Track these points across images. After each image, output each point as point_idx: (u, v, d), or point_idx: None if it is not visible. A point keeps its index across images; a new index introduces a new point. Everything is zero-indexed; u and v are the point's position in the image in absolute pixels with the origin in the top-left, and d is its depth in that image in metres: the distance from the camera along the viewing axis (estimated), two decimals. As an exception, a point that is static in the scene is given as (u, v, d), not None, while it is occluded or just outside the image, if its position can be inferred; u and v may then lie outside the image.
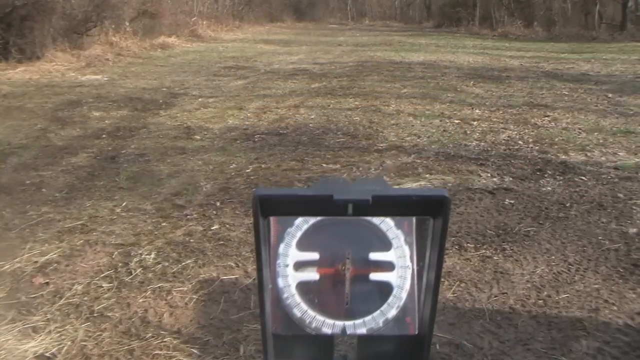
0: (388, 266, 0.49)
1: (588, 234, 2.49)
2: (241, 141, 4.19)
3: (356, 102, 5.64)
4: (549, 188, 3.09)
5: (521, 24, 15.57)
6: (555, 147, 3.92)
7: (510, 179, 3.26)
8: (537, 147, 3.91)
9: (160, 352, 1.71)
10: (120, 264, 2.28)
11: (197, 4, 15.60)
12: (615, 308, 1.89)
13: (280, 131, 4.47)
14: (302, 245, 0.49)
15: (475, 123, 4.67)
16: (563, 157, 3.68)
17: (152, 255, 2.34)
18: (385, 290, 0.49)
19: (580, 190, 3.04)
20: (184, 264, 2.27)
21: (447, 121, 4.75)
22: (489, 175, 3.33)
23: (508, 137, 4.22)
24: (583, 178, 3.24)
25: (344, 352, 0.54)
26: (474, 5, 17.99)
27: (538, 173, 3.35)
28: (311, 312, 0.49)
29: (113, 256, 2.35)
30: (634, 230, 2.52)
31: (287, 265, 0.49)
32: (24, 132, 4.49)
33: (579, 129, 4.43)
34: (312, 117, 4.98)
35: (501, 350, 1.69)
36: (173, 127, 4.66)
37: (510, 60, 9.04)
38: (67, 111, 5.28)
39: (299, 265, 0.49)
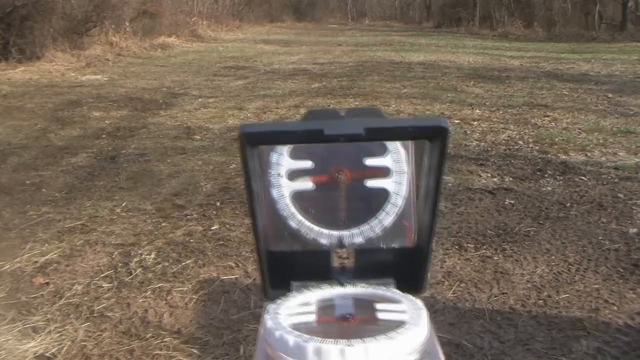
0: (384, 171, 0.47)
1: (588, 234, 2.49)
2: (241, 141, 4.19)
3: (356, 102, 5.64)
4: (549, 188, 3.09)
5: (521, 24, 15.58)
6: (556, 147, 3.92)
7: (511, 179, 3.26)
8: (537, 147, 3.91)
9: (160, 352, 1.71)
10: (120, 264, 2.28)
11: (197, 4, 15.60)
12: (615, 308, 1.89)
13: (280, 131, 4.47)
14: (295, 153, 0.47)
15: (475, 123, 4.67)
16: (563, 157, 3.68)
17: (152, 255, 2.34)
18: (381, 197, 0.47)
19: (580, 190, 3.04)
20: (184, 264, 2.27)
21: (447, 121, 4.75)
22: (489, 175, 3.33)
23: (508, 137, 4.22)
24: (583, 178, 3.24)
25: (341, 264, 0.52)
26: (474, 5, 17.99)
27: (538, 173, 3.35)
28: (307, 223, 0.47)
29: (113, 256, 2.35)
30: (634, 230, 2.52)
31: (280, 175, 0.47)
32: (24, 132, 4.49)
33: (579, 129, 4.43)
34: (312, 117, 4.98)
35: (501, 350, 1.69)
36: (173, 127, 4.66)
37: (510, 60, 9.04)
38: (67, 111, 5.28)
39: (293, 174, 0.47)
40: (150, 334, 1.80)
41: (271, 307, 0.43)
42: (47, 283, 2.13)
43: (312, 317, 0.42)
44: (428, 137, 0.42)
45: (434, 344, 0.39)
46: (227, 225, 2.64)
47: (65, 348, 1.73)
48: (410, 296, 0.44)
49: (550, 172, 3.36)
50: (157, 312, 1.93)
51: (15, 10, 7.88)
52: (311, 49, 11.94)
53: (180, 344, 1.75)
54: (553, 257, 2.28)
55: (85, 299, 2.02)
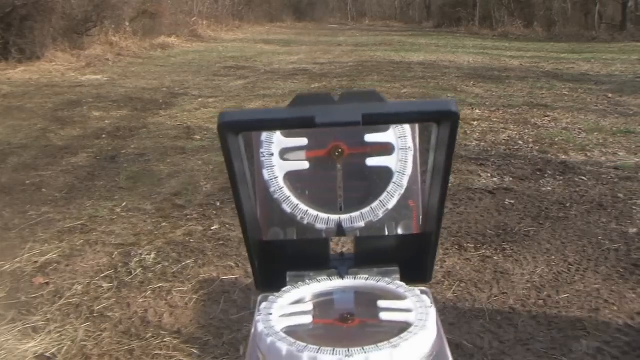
0: (387, 148, 0.42)
1: (588, 234, 2.49)
2: (241, 141, 4.19)
3: (356, 102, 5.63)
4: (549, 188, 3.09)
5: (521, 24, 15.58)
6: (555, 147, 3.92)
7: (510, 179, 3.26)
8: (537, 147, 3.91)
9: (160, 352, 1.71)
10: (120, 264, 2.28)
11: (197, 4, 15.60)
12: (615, 308, 1.89)
13: (280, 131, 4.47)
14: (289, 131, 0.42)
15: (475, 123, 4.67)
16: (563, 157, 3.68)
17: (152, 255, 2.34)
18: (384, 176, 0.42)
19: (580, 190, 3.04)
20: (184, 264, 2.27)
21: (447, 121, 4.75)
22: (489, 175, 3.33)
23: (508, 137, 4.22)
24: (583, 178, 3.24)
25: (340, 252, 0.47)
26: (474, 5, 17.99)
27: (538, 173, 3.35)
28: (302, 207, 0.43)
29: (113, 256, 2.35)
30: (634, 230, 2.52)
31: (271, 154, 0.42)
32: (24, 132, 4.49)
33: (579, 129, 4.43)
34: (312, 117, 4.98)
35: (501, 350, 1.69)
36: (173, 127, 4.66)
37: (510, 60, 9.03)
38: (67, 111, 5.28)
39: (286, 153, 0.42)
40: (150, 334, 1.80)
41: (263, 306, 0.40)
42: (47, 283, 2.13)
43: (307, 319, 0.38)
44: (435, 121, 0.38)
45: (442, 345, 0.36)
46: (227, 225, 2.64)
47: (65, 348, 1.73)
48: (417, 291, 0.40)
49: (550, 172, 3.36)
50: (157, 312, 1.93)
51: (15, 10, 7.88)
52: (311, 49, 11.93)
53: (180, 344, 1.75)
54: (553, 257, 2.28)
55: (85, 299, 2.02)
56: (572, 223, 2.62)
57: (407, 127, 0.42)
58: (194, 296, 2.03)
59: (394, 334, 0.34)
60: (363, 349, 0.32)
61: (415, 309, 0.38)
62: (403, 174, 0.42)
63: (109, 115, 5.10)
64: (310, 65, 8.91)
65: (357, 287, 0.42)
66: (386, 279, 0.43)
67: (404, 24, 24.10)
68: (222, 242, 2.46)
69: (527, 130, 4.40)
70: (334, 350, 0.32)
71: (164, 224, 2.68)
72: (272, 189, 0.43)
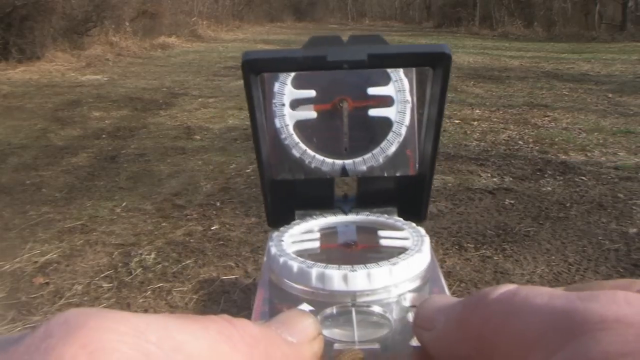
0: (387, 100, 0.47)
1: (588, 234, 2.49)
2: (241, 141, 4.19)
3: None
4: (549, 188, 3.09)
5: (521, 24, 15.58)
6: (555, 147, 3.92)
7: (510, 179, 3.26)
8: (537, 147, 3.91)
9: (160, 352, 1.71)
10: (120, 264, 2.28)
11: (197, 4, 15.60)
12: (615, 308, 1.89)
13: (280, 131, 4.47)
14: (298, 82, 0.47)
15: (475, 123, 4.67)
16: (563, 157, 3.68)
17: (152, 255, 2.34)
18: (384, 126, 0.47)
19: (580, 190, 3.04)
20: (184, 264, 2.27)
21: (447, 121, 4.75)
22: (489, 175, 3.33)
23: (508, 137, 4.22)
24: (583, 178, 3.24)
25: (344, 193, 0.52)
26: (474, 5, 18.00)
27: (538, 173, 3.35)
28: (310, 152, 0.47)
29: (113, 256, 2.35)
30: (634, 230, 2.52)
31: (283, 105, 0.47)
32: (24, 132, 4.49)
33: (579, 129, 4.43)
34: (312, 117, 4.98)
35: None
36: (173, 127, 4.66)
37: (510, 60, 9.04)
38: (67, 111, 5.28)
39: (296, 103, 0.47)
40: (150, 334, 1.80)
41: (275, 234, 0.43)
42: (47, 283, 2.13)
43: (315, 244, 0.42)
44: (431, 64, 0.42)
45: (435, 271, 0.40)
46: (227, 225, 2.64)
47: (65, 348, 1.73)
48: (412, 224, 0.44)
49: (550, 172, 3.36)
50: (157, 312, 1.93)
51: (15, 10, 7.88)
52: (311, 49, 11.92)
53: (180, 344, 1.75)
54: (553, 257, 2.28)
55: (85, 299, 2.02)
56: (572, 223, 2.62)
57: (405, 82, 0.46)
58: (194, 296, 2.03)
59: (393, 256, 0.38)
60: (365, 266, 0.36)
61: (412, 237, 0.42)
62: (401, 124, 0.47)
63: (109, 115, 5.10)
64: (310, 65, 8.91)
65: (359, 222, 0.47)
66: (386, 215, 0.47)
67: (404, 24, 24.10)
68: (222, 242, 2.46)
69: (527, 130, 4.40)
70: (339, 267, 0.36)
71: (164, 224, 2.68)
72: (282, 136, 0.47)
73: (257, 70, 0.41)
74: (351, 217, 0.47)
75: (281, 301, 0.36)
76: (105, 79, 7.36)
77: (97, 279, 2.16)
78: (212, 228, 2.62)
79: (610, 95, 5.78)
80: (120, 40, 10.16)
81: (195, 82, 7.13)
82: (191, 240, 2.49)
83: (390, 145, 0.47)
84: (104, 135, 4.40)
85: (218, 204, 2.93)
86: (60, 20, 8.75)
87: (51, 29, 8.42)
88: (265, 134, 0.44)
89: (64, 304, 1.98)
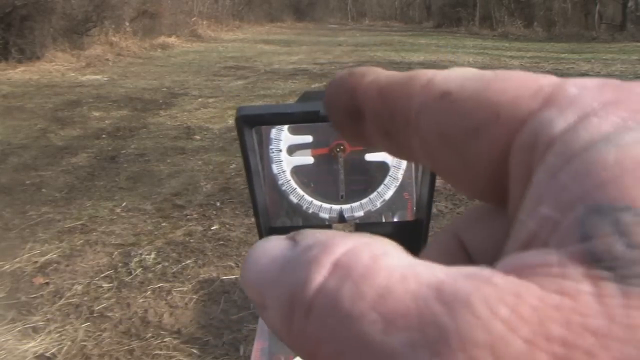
0: None
1: (588, 234, 2.49)
2: (241, 141, 4.19)
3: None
4: (549, 188, 3.10)
5: (521, 24, 15.58)
6: (555, 147, 3.92)
7: (510, 179, 3.26)
8: (537, 147, 3.91)
9: (160, 352, 1.71)
10: (120, 264, 2.28)
11: (197, 4, 15.60)
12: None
13: (280, 131, 4.48)
14: (295, 128, 0.47)
15: (475, 123, 4.68)
16: (563, 157, 3.68)
17: (152, 255, 2.34)
18: (381, 170, 0.48)
19: (580, 190, 3.05)
20: (184, 264, 2.27)
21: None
22: (489, 175, 3.34)
23: (508, 137, 4.22)
24: (583, 178, 3.25)
25: None
26: (474, 5, 18.00)
27: (538, 173, 3.36)
28: (307, 198, 0.48)
29: (113, 256, 2.35)
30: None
31: (280, 150, 0.47)
32: (24, 132, 4.49)
33: (579, 129, 4.43)
34: (312, 117, 4.99)
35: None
36: (173, 127, 4.66)
37: (510, 60, 9.04)
38: (67, 111, 5.28)
39: (293, 149, 0.48)
40: (150, 334, 1.80)
41: None
42: (47, 283, 2.13)
43: None
44: None
45: None
46: (227, 225, 2.64)
47: (65, 348, 1.73)
48: None
49: (550, 172, 3.36)
50: (157, 312, 1.93)
51: (15, 10, 7.88)
52: (311, 49, 11.94)
53: (180, 344, 1.75)
54: (553, 257, 2.28)
55: (85, 299, 2.02)
56: (572, 223, 2.62)
57: None
58: (194, 296, 2.03)
59: None
60: None
61: None
62: (398, 168, 0.48)
63: (109, 115, 5.10)
64: (311, 65, 8.92)
65: None
66: None
67: (404, 24, 24.11)
68: (222, 242, 2.46)
69: (527, 130, 4.40)
70: None
71: (164, 224, 2.68)
72: (280, 182, 0.48)
73: (252, 124, 0.41)
74: None
75: (279, 351, 0.36)
76: (105, 79, 7.36)
77: (97, 279, 2.16)
78: (212, 228, 2.62)
79: (610, 95, 5.78)
80: (120, 40, 10.17)
81: (195, 82, 7.13)
82: (191, 240, 2.49)
83: (388, 189, 0.48)
84: (104, 135, 4.40)
85: (218, 204, 2.93)
86: (60, 20, 8.75)
87: (51, 29, 8.42)
88: (260, 182, 0.44)
89: (64, 303, 1.98)
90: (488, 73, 0.14)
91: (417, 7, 26.43)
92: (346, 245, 0.11)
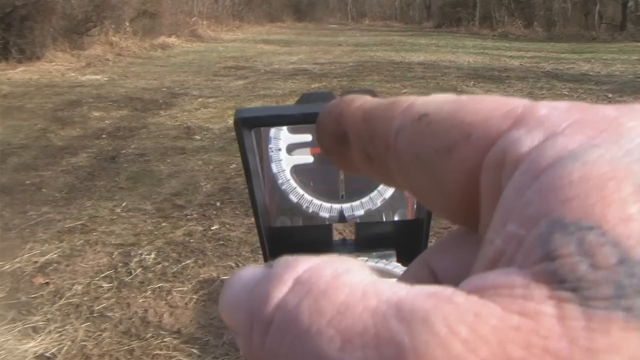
0: None
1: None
2: (241, 141, 4.19)
3: (356, 102, 5.63)
4: (549, 188, 3.10)
5: (521, 24, 15.59)
6: (555, 147, 3.92)
7: (510, 179, 3.26)
8: (537, 147, 3.91)
9: (160, 352, 1.71)
10: (120, 264, 2.28)
11: (197, 4, 15.60)
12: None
13: (280, 131, 4.47)
14: (294, 127, 0.47)
15: (475, 123, 4.67)
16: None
17: (152, 255, 2.34)
18: None
19: (580, 190, 3.05)
20: (184, 264, 2.27)
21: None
22: (489, 175, 3.34)
23: (508, 137, 4.22)
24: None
25: (342, 238, 0.52)
26: (474, 5, 18.00)
27: (538, 173, 3.36)
28: (307, 197, 0.47)
29: (113, 256, 2.35)
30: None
31: (279, 149, 0.47)
32: (24, 132, 4.49)
33: (579, 129, 4.43)
34: (312, 117, 4.99)
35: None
36: (173, 127, 4.66)
37: (510, 60, 9.04)
38: (67, 111, 5.28)
39: (292, 148, 0.47)
40: (150, 334, 1.80)
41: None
42: (47, 283, 2.13)
43: None
44: None
45: None
46: (227, 225, 2.64)
47: (65, 348, 1.73)
48: None
49: (550, 172, 3.36)
50: (157, 312, 1.93)
51: (15, 10, 7.88)
52: (311, 49, 11.94)
53: (180, 344, 1.75)
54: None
55: (85, 299, 2.02)
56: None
57: None
58: (194, 296, 2.03)
59: None
60: None
61: None
62: None
63: (109, 115, 5.10)
64: (311, 65, 8.92)
65: None
66: (384, 260, 0.47)
67: (404, 24, 24.11)
68: (222, 242, 2.46)
69: (527, 130, 4.40)
70: None
71: (164, 224, 2.68)
72: (279, 181, 0.47)
73: (250, 126, 0.41)
74: None
75: None
76: (105, 79, 7.36)
77: (97, 279, 2.16)
78: (212, 228, 2.62)
79: (610, 95, 5.78)
80: (120, 40, 10.16)
81: (195, 82, 7.13)
82: (191, 240, 2.49)
83: (388, 188, 0.47)
84: (104, 135, 4.40)
85: (218, 204, 2.93)
86: (60, 20, 8.75)
87: (51, 29, 8.42)
88: (260, 183, 0.44)
89: (64, 303, 1.98)
90: (465, 97, 0.14)
91: (417, 7, 26.43)
92: (310, 263, 0.11)
